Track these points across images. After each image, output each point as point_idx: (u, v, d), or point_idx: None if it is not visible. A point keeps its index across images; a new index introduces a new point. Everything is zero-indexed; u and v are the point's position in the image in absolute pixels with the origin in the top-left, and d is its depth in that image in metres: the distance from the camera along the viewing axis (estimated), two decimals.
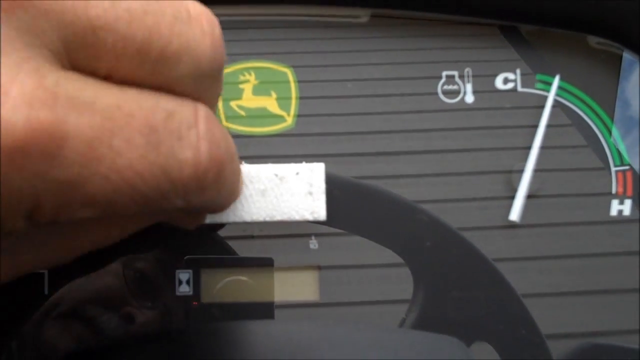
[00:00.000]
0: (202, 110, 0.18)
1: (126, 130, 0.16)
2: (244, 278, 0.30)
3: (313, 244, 0.31)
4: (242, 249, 0.31)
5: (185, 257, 0.30)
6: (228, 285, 0.30)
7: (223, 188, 0.20)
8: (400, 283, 0.31)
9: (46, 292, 0.29)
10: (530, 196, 0.31)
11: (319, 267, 0.31)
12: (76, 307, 0.29)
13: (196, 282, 0.30)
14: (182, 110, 0.18)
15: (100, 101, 0.16)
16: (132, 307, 0.30)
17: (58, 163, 0.15)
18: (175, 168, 0.17)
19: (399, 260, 0.31)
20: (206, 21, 0.18)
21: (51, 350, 0.29)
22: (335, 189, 0.31)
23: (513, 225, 0.31)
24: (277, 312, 0.30)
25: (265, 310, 0.30)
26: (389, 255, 0.31)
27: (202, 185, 0.18)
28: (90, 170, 0.16)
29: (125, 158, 0.16)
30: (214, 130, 0.18)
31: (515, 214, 0.31)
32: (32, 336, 0.29)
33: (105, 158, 0.16)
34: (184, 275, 0.30)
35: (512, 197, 0.31)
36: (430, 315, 0.30)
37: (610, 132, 0.33)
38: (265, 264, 0.30)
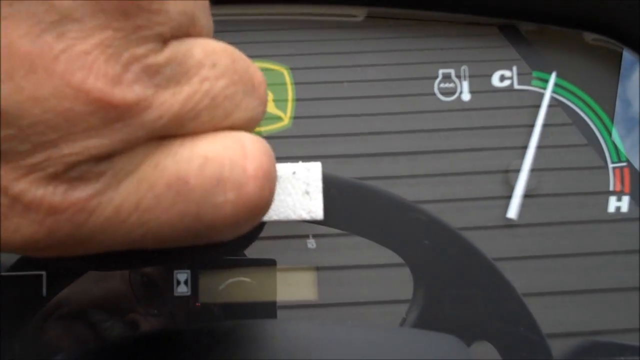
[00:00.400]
0: (247, 141, 0.17)
1: (155, 188, 0.15)
2: (246, 279, 0.30)
3: (311, 243, 0.31)
4: None
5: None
6: (230, 286, 0.30)
7: (265, 212, 0.18)
8: (399, 283, 0.31)
9: (44, 294, 0.29)
10: (527, 195, 0.31)
11: (317, 268, 0.31)
12: (80, 311, 0.29)
13: (194, 283, 0.30)
14: (224, 151, 0.16)
15: (141, 170, 0.15)
16: (137, 313, 0.30)
17: (82, 232, 0.15)
18: (210, 212, 0.16)
19: (398, 260, 0.31)
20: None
21: (54, 352, 0.29)
22: (332, 188, 0.30)
23: (511, 224, 0.31)
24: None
25: (267, 310, 0.30)
26: (388, 255, 0.31)
27: (248, 219, 0.17)
28: (110, 232, 0.15)
29: (151, 213, 0.15)
30: (262, 160, 0.17)
31: (512, 213, 0.31)
32: (35, 337, 0.29)
33: (129, 218, 0.15)
34: (181, 275, 0.30)
35: (510, 196, 0.31)
36: (431, 315, 0.30)
37: (607, 129, 0.32)
38: (267, 264, 0.30)
